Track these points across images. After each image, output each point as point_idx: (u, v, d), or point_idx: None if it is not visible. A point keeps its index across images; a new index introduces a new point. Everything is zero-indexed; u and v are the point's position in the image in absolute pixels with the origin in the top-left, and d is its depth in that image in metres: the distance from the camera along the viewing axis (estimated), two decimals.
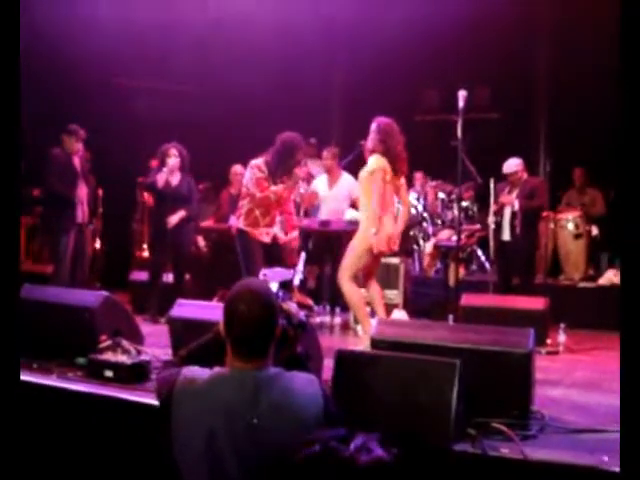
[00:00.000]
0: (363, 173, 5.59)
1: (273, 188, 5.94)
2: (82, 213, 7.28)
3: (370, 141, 5.63)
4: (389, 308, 6.36)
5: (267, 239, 6.04)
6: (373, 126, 5.64)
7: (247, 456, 2.35)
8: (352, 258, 5.57)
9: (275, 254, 6.06)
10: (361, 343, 5.42)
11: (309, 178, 7.93)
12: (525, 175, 7.45)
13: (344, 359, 3.26)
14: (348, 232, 6.32)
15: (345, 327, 6.76)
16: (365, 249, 5.53)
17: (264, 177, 5.96)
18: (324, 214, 7.58)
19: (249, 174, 6.03)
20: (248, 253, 6.01)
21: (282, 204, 6.11)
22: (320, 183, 7.69)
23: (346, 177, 7.58)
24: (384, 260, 6.73)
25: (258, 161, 6.04)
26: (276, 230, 6.11)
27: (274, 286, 2.75)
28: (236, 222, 6.17)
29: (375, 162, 5.53)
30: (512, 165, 7.40)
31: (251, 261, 5.96)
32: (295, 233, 6.38)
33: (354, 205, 7.35)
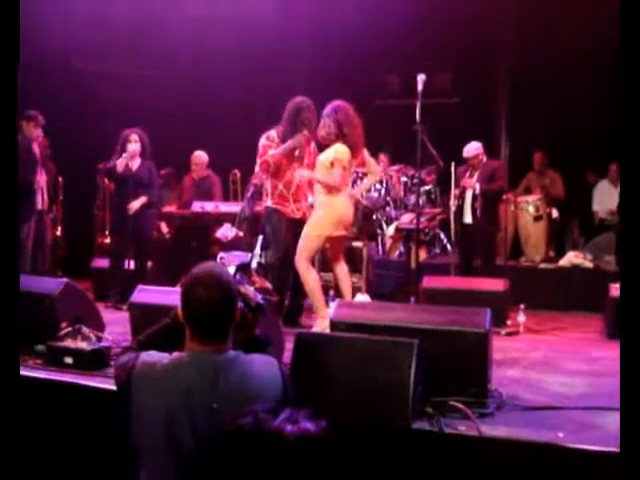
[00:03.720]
0: (323, 160, 5.53)
1: (271, 152, 5.78)
2: (42, 200, 7.20)
3: (324, 127, 5.53)
4: (352, 292, 6.38)
5: (298, 214, 5.95)
6: (327, 111, 5.54)
7: (206, 439, 2.35)
8: (305, 242, 5.55)
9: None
10: (317, 327, 5.43)
11: None
12: (485, 158, 7.54)
13: (303, 341, 3.29)
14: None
15: (308, 311, 6.76)
16: (316, 234, 5.53)
17: (269, 145, 5.83)
18: None
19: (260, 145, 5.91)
20: (275, 229, 5.86)
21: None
22: None
23: None
24: (347, 244, 6.75)
25: (271, 131, 5.93)
26: (305, 206, 6.00)
27: (232, 269, 2.77)
28: (266, 203, 6.03)
29: (335, 152, 5.46)
30: (472, 149, 7.48)
31: (278, 237, 5.84)
32: None
33: None
